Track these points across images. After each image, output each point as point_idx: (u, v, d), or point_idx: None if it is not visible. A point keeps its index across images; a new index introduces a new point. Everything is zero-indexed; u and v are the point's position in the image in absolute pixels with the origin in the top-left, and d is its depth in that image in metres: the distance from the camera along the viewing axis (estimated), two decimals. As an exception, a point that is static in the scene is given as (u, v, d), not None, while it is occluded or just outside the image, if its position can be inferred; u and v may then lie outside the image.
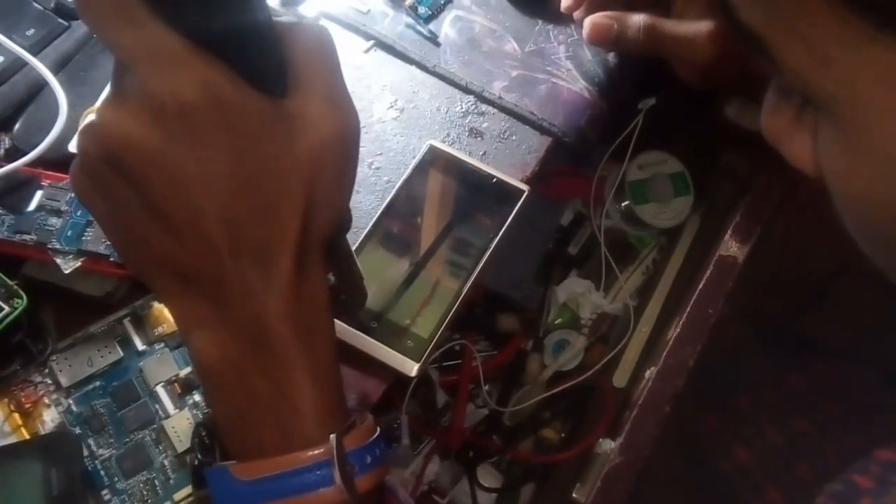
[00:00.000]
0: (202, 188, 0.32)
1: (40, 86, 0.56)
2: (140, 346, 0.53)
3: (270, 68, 0.35)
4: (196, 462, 0.38)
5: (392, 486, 0.41)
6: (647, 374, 0.59)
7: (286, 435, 0.36)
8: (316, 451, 0.35)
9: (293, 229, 0.34)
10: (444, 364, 0.65)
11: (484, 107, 0.62)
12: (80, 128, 0.33)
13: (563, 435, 0.69)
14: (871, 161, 0.30)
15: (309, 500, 0.35)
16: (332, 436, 0.35)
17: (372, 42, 0.64)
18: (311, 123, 0.35)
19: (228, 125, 0.32)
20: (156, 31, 0.32)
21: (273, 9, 0.37)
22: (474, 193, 0.58)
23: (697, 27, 0.55)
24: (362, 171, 0.59)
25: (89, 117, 0.33)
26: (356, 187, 0.58)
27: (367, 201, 0.58)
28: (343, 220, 0.39)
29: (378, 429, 0.39)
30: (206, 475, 0.37)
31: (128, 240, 0.36)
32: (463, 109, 0.62)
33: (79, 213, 0.52)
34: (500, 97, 0.62)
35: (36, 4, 0.59)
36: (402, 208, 0.57)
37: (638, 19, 0.57)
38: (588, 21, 0.59)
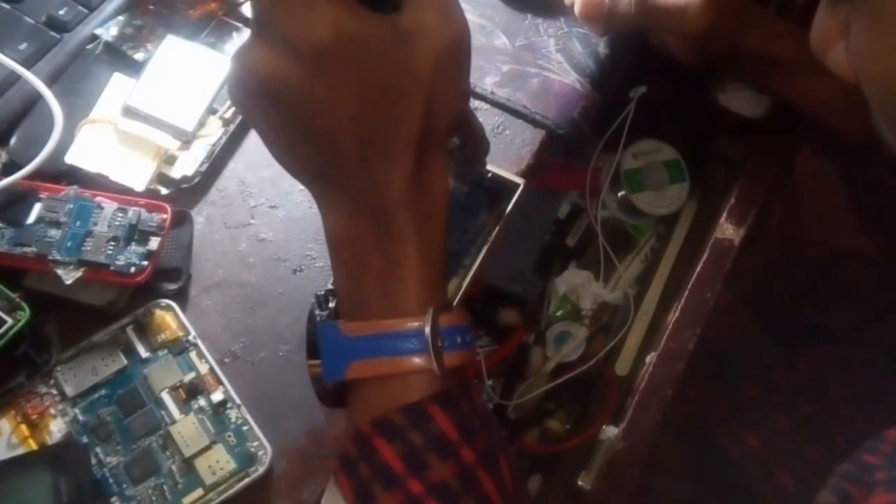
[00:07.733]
0: (335, 111, 0.38)
1: (35, 99, 0.56)
2: (143, 353, 0.54)
3: None
4: (315, 320, 0.42)
5: (475, 385, 0.44)
6: (648, 359, 0.59)
7: (391, 303, 0.40)
8: (414, 322, 0.39)
9: (414, 133, 0.39)
10: (447, 360, 0.66)
11: (477, 102, 0.63)
12: (233, 57, 0.39)
13: (567, 425, 0.69)
14: (891, 40, 0.31)
15: (401, 363, 0.38)
16: (431, 309, 0.38)
17: (362, 43, 0.64)
18: (427, 36, 0.38)
19: (355, 56, 0.37)
20: None
21: None
22: (470, 188, 0.58)
23: None
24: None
25: (234, 52, 0.39)
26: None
27: (364, 200, 0.58)
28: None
29: (471, 320, 0.42)
30: (318, 328, 0.42)
31: (278, 148, 0.41)
32: (455, 106, 0.62)
33: (77, 223, 0.52)
34: (492, 92, 0.62)
35: (27, 18, 0.59)
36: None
37: None
38: None
